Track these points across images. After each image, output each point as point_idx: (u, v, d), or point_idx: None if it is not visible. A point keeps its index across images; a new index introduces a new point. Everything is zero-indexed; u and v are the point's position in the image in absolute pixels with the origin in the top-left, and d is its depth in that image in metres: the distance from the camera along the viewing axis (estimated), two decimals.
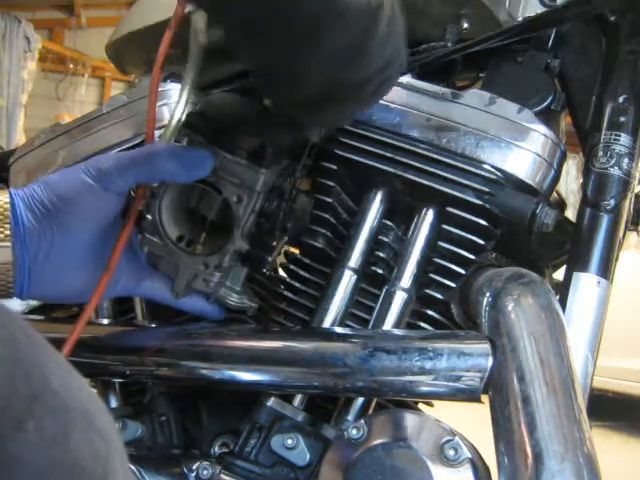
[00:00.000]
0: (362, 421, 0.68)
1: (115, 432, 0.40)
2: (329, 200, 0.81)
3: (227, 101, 0.76)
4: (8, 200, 0.65)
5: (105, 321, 0.90)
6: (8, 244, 0.64)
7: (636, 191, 0.80)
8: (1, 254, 0.64)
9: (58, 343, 0.81)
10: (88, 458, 0.36)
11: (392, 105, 0.79)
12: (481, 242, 0.76)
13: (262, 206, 0.72)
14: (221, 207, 0.73)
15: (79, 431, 0.37)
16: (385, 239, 0.79)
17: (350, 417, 0.75)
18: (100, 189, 0.67)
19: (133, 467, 0.72)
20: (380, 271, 0.79)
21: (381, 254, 0.79)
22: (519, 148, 0.74)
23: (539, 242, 0.75)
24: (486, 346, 0.64)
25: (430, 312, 0.77)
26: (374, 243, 0.80)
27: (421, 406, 0.82)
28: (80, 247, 0.68)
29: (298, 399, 0.77)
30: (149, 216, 0.73)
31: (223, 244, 0.72)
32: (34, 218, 0.65)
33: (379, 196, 0.80)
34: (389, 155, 0.77)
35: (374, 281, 0.80)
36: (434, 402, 0.78)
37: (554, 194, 0.79)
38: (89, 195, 0.67)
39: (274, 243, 0.76)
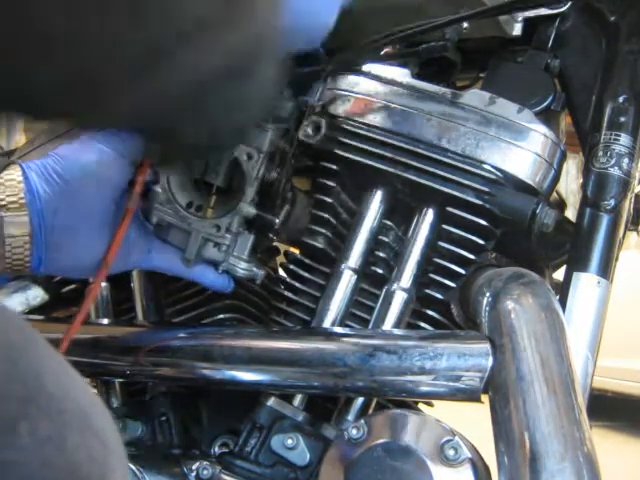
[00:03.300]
0: (362, 421, 0.68)
1: (114, 433, 0.40)
2: (329, 200, 0.81)
3: None
4: (21, 173, 0.64)
5: (105, 321, 0.90)
6: (25, 217, 0.63)
7: (636, 191, 0.80)
8: (19, 227, 0.64)
9: (58, 343, 0.81)
10: (84, 459, 0.36)
11: (392, 105, 0.79)
12: (481, 242, 0.76)
13: (266, 170, 0.73)
14: (228, 171, 0.74)
15: (75, 432, 0.36)
16: (385, 239, 0.79)
17: (350, 417, 0.75)
18: (115, 156, 0.67)
19: (133, 467, 0.72)
20: (380, 271, 0.79)
21: (381, 254, 0.79)
22: (519, 148, 0.74)
23: (539, 242, 0.75)
24: (486, 346, 0.64)
25: (430, 312, 0.77)
26: (374, 243, 0.80)
27: (421, 406, 0.82)
28: (95, 217, 0.68)
29: (298, 399, 0.77)
30: (157, 186, 0.74)
31: (233, 206, 0.73)
32: (50, 189, 0.65)
33: (379, 196, 0.80)
34: (389, 155, 0.77)
35: (374, 281, 0.80)
36: (434, 402, 0.78)
37: (554, 194, 0.79)
38: (104, 162, 0.67)
39: (277, 210, 0.77)
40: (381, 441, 0.66)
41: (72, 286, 0.95)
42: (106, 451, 0.38)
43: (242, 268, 0.75)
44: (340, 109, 0.80)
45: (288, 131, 0.77)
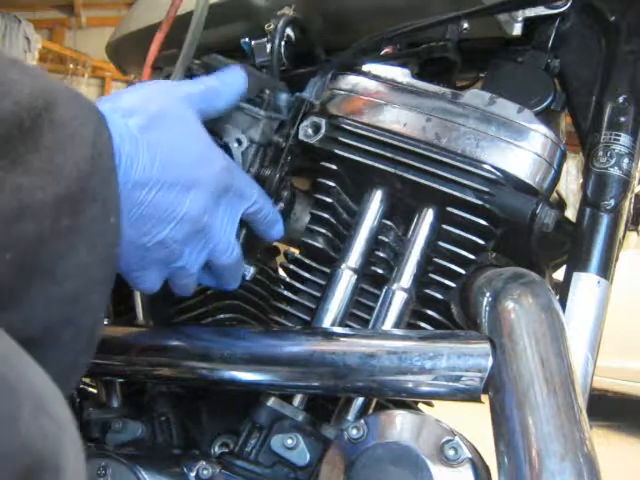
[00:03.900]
0: (362, 421, 0.68)
1: (69, 417, 0.41)
2: (329, 200, 0.81)
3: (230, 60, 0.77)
4: None
5: (105, 321, 0.90)
6: None
7: (636, 191, 0.80)
8: None
9: None
10: (38, 441, 0.37)
11: (392, 105, 0.79)
12: (481, 242, 0.76)
13: (260, 165, 0.73)
14: None
15: (28, 414, 0.37)
16: (385, 239, 0.79)
17: (350, 417, 0.75)
18: None
19: (133, 467, 0.71)
20: (380, 271, 0.79)
21: (381, 254, 0.79)
22: (519, 148, 0.74)
23: (539, 242, 0.75)
24: (486, 346, 0.64)
25: (430, 312, 0.77)
26: (374, 243, 0.80)
27: (421, 406, 0.82)
28: None
29: (298, 399, 0.77)
30: None
31: None
32: None
33: (379, 196, 0.80)
34: (389, 155, 0.77)
35: (374, 281, 0.80)
36: (434, 402, 0.78)
37: (554, 194, 0.79)
38: None
39: None
40: (381, 441, 0.66)
41: None
42: (60, 433, 0.39)
43: None
44: (340, 109, 0.80)
45: (283, 125, 0.77)
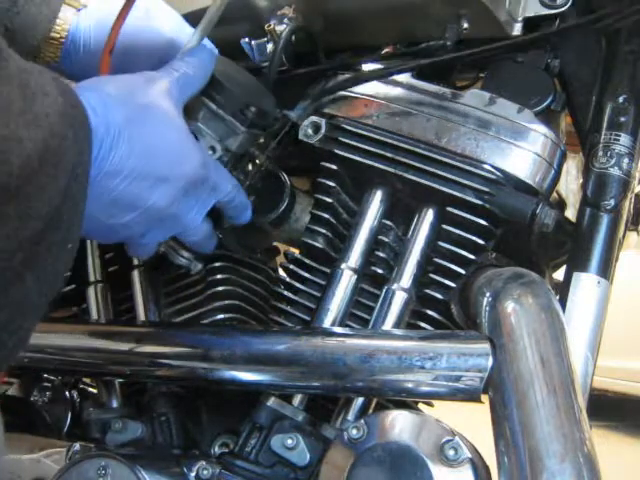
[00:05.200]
0: (362, 421, 0.68)
1: None
2: (329, 200, 0.81)
3: (226, 62, 0.76)
4: None
5: (105, 321, 0.90)
6: None
7: (636, 191, 0.80)
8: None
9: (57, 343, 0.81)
10: None
11: (392, 105, 0.79)
12: (481, 242, 0.76)
13: (232, 169, 0.73)
14: None
15: None
16: (385, 239, 0.79)
17: (350, 417, 0.75)
18: None
19: (133, 467, 0.71)
20: (380, 271, 0.79)
21: (381, 254, 0.79)
22: (519, 148, 0.74)
23: (539, 242, 0.75)
24: (486, 346, 0.64)
25: (430, 312, 0.77)
26: (374, 243, 0.80)
27: (421, 406, 0.82)
28: None
29: (298, 399, 0.77)
30: None
31: None
32: None
33: (379, 196, 0.80)
34: (389, 155, 0.77)
35: (374, 281, 0.80)
36: (434, 402, 0.78)
37: (554, 194, 0.79)
38: None
39: None
40: (381, 441, 0.66)
41: (72, 286, 0.95)
42: None
43: (182, 256, 0.76)
44: (340, 109, 0.80)
45: (264, 139, 0.77)
